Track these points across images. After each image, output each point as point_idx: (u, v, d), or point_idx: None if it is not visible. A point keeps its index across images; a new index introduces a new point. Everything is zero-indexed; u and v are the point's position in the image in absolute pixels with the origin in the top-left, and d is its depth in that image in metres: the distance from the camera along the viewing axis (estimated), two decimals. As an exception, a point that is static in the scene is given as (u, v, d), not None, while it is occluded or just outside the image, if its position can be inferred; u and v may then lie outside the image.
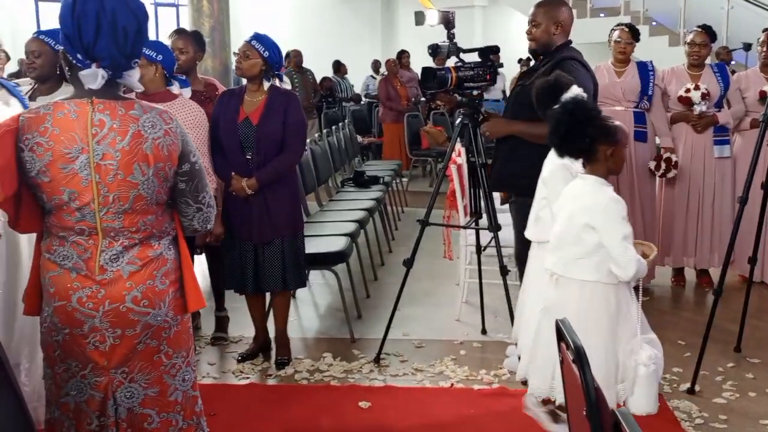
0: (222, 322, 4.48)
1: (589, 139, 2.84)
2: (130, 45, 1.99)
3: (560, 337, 1.77)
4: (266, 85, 3.83)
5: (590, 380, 1.56)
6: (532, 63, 4.08)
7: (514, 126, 3.76)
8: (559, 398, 2.89)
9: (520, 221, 3.63)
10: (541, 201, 3.30)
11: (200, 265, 4.52)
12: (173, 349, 2.16)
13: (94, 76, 1.97)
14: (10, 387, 1.98)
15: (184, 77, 4.03)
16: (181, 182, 2.11)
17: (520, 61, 12.10)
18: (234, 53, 3.86)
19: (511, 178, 3.78)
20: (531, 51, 3.87)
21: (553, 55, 3.70)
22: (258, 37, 3.81)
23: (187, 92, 3.90)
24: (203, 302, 2.22)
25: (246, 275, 3.90)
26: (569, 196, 2.98)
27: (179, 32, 4.50)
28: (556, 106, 2.95)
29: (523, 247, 3.80)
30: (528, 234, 3.41)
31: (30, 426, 2.01)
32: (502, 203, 4.26)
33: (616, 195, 2.89)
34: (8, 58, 3.39)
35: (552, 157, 3.20)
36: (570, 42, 3.80)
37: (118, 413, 2.10)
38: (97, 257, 2.03)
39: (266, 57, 3.78)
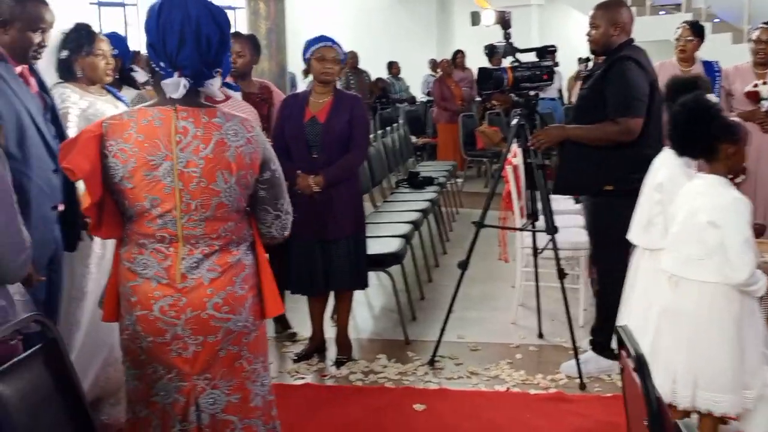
0: (285, 319, 4.53)
1: (710, 138, 2.76)
2: (213, 54, 2.01)
3: (620, 344, 1.73)
4: (338, 84, 3.91)
5: (651, 389, 1.52)
6: (591, 63, 4.05)
7: (570, 131, 3.77)
8: (682, 403, 2.80)
9: (594, 220, 3.67)
10: (654, 206, 3.17)
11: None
12: (253, 354, 2.16)
13: (175, 86, 1.98)
14: (72, 388, 2.03)
15: (234, 83, 4.11)
16: (262, 190, 2.12)
17: (579, 60, 11.92)
18: (310, 59, 3.87)
19: (579, 180, 3.77)
20: (592, 52, 3.93)
21: (613, 55, 3.69)
22: (332, 39, 3.88)
23: (237, 96, 3.97)
24: (282, 307, 2.21)
25: (315, 275, 3.93)
26: (690, 194, 2.86)
27: (236, 36, 4.55)
28: (675, 105, 2.88)
29: (599, 248, 3.75)
30: (637, 239, 3.28)
31: (93, 428, 2.05)
32: (576, 202, 4.19)
33: (741, 195, 2.77)
34: (117, 65, 3.53)
35: (667, 160, 3.11)
36: (632, 41, 3.77)
37: (201, 419, 2.10)
38: (177, 265, 2.04)
39: (343, 60, 3.91)
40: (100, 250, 3.23)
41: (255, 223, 2.18)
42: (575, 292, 4.47)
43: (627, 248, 3.78)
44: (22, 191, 2.58)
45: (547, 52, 4.04)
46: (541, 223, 4.04)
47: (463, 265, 3.99)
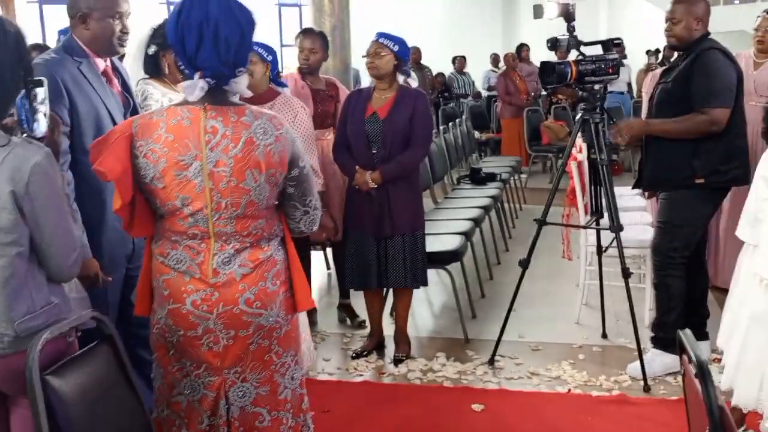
0: (351, 309, 4.58)
1: None
2: (232, 55, 2.00)
3: (682, 348, 1.66)
4: (400, 79, 3.89)
5: (713, 397, 1.45)
6: (661, 55, 3.93)
7: (654, 125, 3.72)
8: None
9: (673, 214, 3.66)
10: (762, 202, 2.95)
11: (317, 262, 4.59)
12: (283, 348, 2.18)
13: (192, 88, 1.99)
14: (129, 384, 2.06)
15: (303, 79, 4.13)
16: (290, 186, 2.12)
17: (648, 52, 11.61)
18: (362, 56, 3.89)
19: (668, 174, 3.69)
20: (672, 48, 3.88)
21: (692, 49, 3.63)
22: (384, 35, 3.86)
23: (286, 92, 4.00)
24: (312, 302, 2.23)
25: (369, 270, 3.92)
26: None
27: (308, 32, 4.60)
28: None
29: (664, 238, 3.65)
30: (742, 235, 3.15)
31: (147, 423, 2.09)
32: (649, 197, 4.08)
33: None
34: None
35: None
36: (708, 33, 3.71)
37: (230, 412, 2.13)
38: (210, 260, 2.06)
39: (396, 51, 3.83)
40: None
41: (284, 218, 2.18)
42: (641, 291, 4.35)
43: (689, 242, 3.68)
44: (98, 190, 2.62)
45: (612, 44, 3.94)
46: (605, 220, 3.95)
47: (524, 264, 3.93)
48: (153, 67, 3.29)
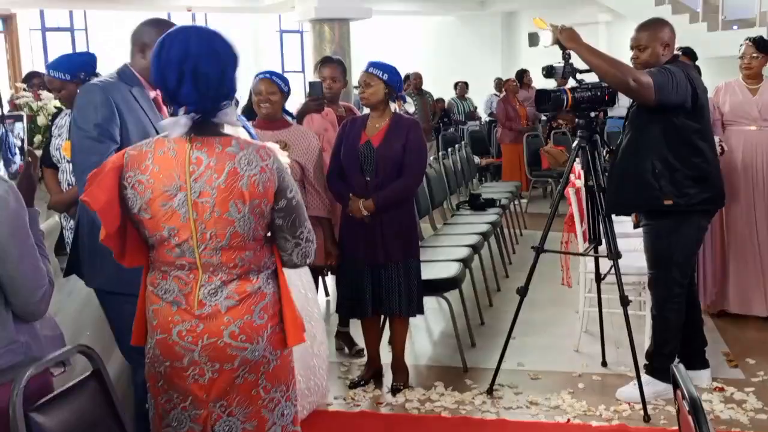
0: (349, 337, 4.56)
1: None
2: (213, 90, 2.00)
3: (675, 384, 1.63)
4: (392, 106, 3.90)
5: (707, 435, 1.42)
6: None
7: (583, 43, 3.55)
8: None
9: (661, 243, 3.62)
10: None
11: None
12: (272, 383, 2.14)
13: (173, 125, 1.99)
14: (117, 420, 2.03)
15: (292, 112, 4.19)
16: (278, 218, 2.10)
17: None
18: (354, 87, 3.94)
19: (634, 196, 3.64)
20: None
21: None
22: (374, 64, 3.88)
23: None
24: (302, 338, 2.18)
25: (363, 298, 3.90)
26: None
27: (328, 61, 4.71)
28: None
29: (659, 271, 3.62)
30: None
31: None
32: (635, 227, 4.04)
33: None
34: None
35: None
36: (677, 56, 3.70)
37: None
38: (197, 291, 2.06)
39: (386, 80, 3.83)
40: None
41: (276, 250, 2.16)
42: (641, 318, 4.31)
43: (686, 270, 3.65)
44: None
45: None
46: (604, 247, 3.92)
47: (522, 292, 3.90)
48: None
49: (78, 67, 3.66)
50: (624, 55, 3.82)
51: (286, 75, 4.14)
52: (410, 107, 4.01)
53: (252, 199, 2.02)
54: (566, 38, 3.57)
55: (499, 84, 12.96)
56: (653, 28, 3.62)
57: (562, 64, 3.76)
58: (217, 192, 2.00)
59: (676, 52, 3.97)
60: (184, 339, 2.06)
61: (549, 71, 3.76)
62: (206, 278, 2.06)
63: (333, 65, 4.60)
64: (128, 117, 2.68)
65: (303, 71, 16.04)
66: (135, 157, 2.04)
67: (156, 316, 2.09)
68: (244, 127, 3.47)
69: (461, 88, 12.96)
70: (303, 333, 2.18)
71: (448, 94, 12.85)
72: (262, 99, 3.91)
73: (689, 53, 5.20)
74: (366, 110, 3.99)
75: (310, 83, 4.55)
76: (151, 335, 2.12)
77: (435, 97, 11.72)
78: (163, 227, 2.03)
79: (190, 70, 1.97)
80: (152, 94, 2.80)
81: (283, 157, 3.40)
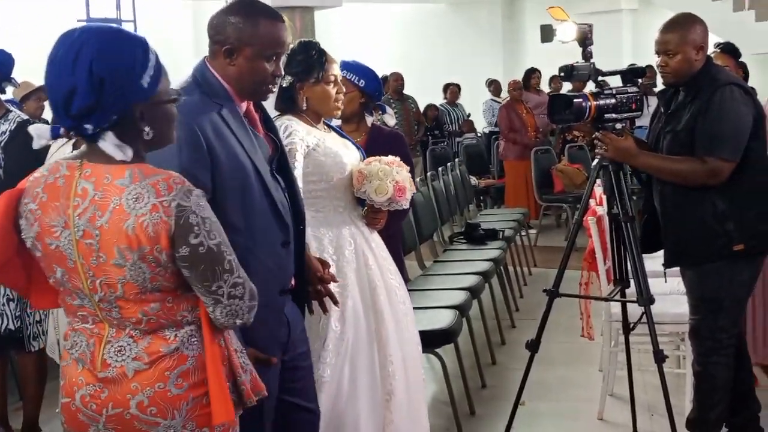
0: None
1: None
2: (74, 108, 1.96)
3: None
4: (368, 120, 3.91)
5: None
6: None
7: (643, 158, 3.69)
8: None
9: (710, 287, 3.66)
10: None
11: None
12: None
13: (37, 136, 2.03)
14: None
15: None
16: (184, 268, 2.02)
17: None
18: None
19: (699, 244, 3.67)
20: (668, 84, 3.81)
21: (699, 83, 3.62)
22: (347, 66, 3.83)
23: None
24: (231, 414, 2.11)
25: None
26: None
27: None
28: None
29: (704, 317, 3.67)
30: None
31: None
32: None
33: None
34: None
35: None
36: (710, 60, 3.73)
37: None
38: (101, 349, 2.06)
39: (362, 87, 3.84)
40: (337, 326, 3.28)
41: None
42: (679, 377, 4.36)
43: (736, 317, 3.70)
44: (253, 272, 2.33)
45: (636, 75, 4.00)
46: (633, 290, 3.97)
47: (533, 346, 3.93)
48: (287, 102, 3.36)
49: None
50: (651, 47, 3.81)
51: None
52: (390, 120, 4.02)
53: (140, 245, 1.95)
54: (619, 155, 3.71)
55: (497, 87, 13.00)
56: (683, 29, 3.64)
57: (586, 64, 3.81)
58: (101, 233, 1.96)
59: (714, 50, 4.04)
60: (87, 406, 2.07)
61: (569, 72, 3.80)
62: (113, 333, 2.06)
63: None
64: (221, 154, 2.49)
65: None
66: (33, 182, 2.08)
67: (63, 375, 2.13)
68: (342, 134, 3.52)
69: (452, 92, 12.99)
70: (231, 410, 2.10)
71: (435, 99, 12.90)
72: None
73: (730, 50, 5.25)
74: (336, 122, 3.93)
75: None
76: (60, 397, 2.15)
77: (422, 104, 11.78)
78: (55, 269, 2.05)
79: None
80: (243, 106, 2.66)
81: (403, 171, 3.42)
